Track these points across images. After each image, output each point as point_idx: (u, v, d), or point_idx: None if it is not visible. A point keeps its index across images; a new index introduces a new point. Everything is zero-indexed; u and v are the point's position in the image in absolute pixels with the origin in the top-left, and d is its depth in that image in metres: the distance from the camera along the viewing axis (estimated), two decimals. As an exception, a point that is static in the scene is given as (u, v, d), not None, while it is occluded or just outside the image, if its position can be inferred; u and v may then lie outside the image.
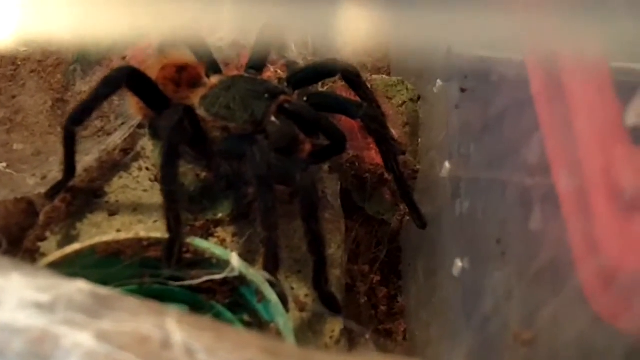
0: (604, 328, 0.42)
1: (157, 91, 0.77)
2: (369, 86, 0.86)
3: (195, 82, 0.80)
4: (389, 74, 1.01)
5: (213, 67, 0.84)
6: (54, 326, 0.39)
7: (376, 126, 0.76)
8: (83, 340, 0.39)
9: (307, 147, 0.75)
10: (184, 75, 0.80)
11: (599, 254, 0.42)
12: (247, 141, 0.71)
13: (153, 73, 0.79)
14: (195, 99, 0.78)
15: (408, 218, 0.83)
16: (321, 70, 0.84)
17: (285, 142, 0.73)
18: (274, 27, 0.86)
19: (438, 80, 0.83)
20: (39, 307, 0.40)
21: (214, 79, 0.80)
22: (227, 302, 0.70)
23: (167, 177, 0.70)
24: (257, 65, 0.84)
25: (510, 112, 0.61)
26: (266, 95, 0.75)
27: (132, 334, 0.39)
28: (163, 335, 0.39)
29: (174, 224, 0.69)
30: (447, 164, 0.76)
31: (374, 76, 0.92)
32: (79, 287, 0.43)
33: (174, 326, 0.39)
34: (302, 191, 0.66)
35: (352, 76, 0.82)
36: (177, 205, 0.70)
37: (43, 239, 0.78)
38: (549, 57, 0.52)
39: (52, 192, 0.80)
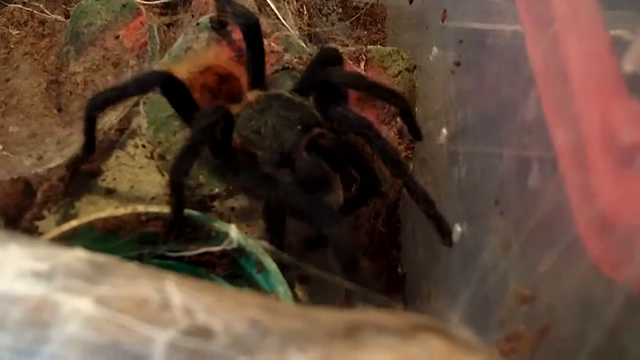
0: (602, 280, 0.42)
1: (191, 100, 0.75)
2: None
3: (234, 97, 0.77)
4: (384, 45, 1.00)
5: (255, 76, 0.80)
6: (53, 293, 0.39)
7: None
8: (82, 305, 0.39)
9: (335, 183, 0.72)
10: (225, 86, 0.77)
11: (596, 205, 0.41)
12: (269, 184, 0.68)
13: (192, 68, 0.77)
14: None
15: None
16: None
17: (312, 179, 0.69)
18: (331, 52, 0.82)
19: (434, 48, 0.83)
20: (37, 275, 0.40)
21: (252, 96, 0.77)
22: (227, 274, 0.70)
23: (179, 170, 0.68)
24: (305, 88, 0.79)
25: (506, 73, 0.61)
26: (299, 127, 0.71)
27: (131, 297, 0.39)
28: (162, 297, 0.39)
29: (177, 209, 0.69)
30: (444, 131, 0.76)
31: (370, 47, 0.92)
32: (77, 255, 0.43)
33: (173, 288, 0.39)
34: (336, 246, 0.62)
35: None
36: (182, 194, 0.69)
37: (41, 217, 0.78)
38: (544, 12, 0.52)
39: (72, 166, 0.80)
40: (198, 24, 0.90)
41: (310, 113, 0.74)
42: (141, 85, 0.73)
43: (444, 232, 0.66)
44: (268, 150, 0.72)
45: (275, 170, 0.71)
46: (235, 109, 0.75)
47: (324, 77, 0.76)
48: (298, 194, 0.66)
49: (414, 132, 0.79)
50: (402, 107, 0.76)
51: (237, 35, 0.87)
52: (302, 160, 0.70)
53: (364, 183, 0.73)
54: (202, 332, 0.37)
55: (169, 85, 0.73)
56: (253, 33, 0.80)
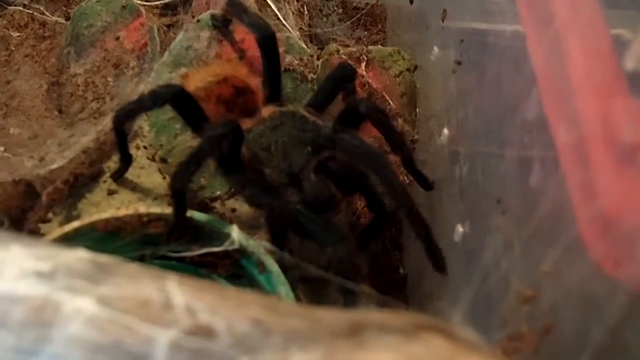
0: (605, 279, 0.42)
1: (200, 114, 0.75)
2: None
3: (248, 111, 0.77)
4: (384, 45, 1.00)
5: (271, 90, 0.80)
6: (55, 293, 0.39)
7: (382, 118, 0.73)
8: (84, 305, 0.38)
9: (342, 206, 0.72)
10: (241, 100, 0.77)
11: (598, 204, 0.41)
12: (272, 195, 0.68)
13: (210, 77, 0.77)
14: None
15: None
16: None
17: (319, 201, 0.68)
18: (347, 69, 0.82)
19: (435, 48, 0.83)
20: (40, 275, 0.40)
21: (266, 111, 0.76)
22: (229, 274, 0.70)
23: (181, 178, 0.68)
24: (321, 103, 0.79)
25: (507, 72, 0.61)
26: (309, 149, 0.71)
27: (133, 297, 0.39)
28: (164, 297, 0.39)
29: (179, 214, 0.70)
30: (445, 130, 0.76)
31: (371, 47, 0.92)
32: (79, 256, 0.42)
33: (174, 288, 0.39)
34: (337, 269, 0.62)
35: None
36: (184, 200, 0.69)
37: (47, 220, 0.78)
38: (544, 11, 0.52)
39: (115, 177, 0.82)
40: (199, 21, 0.89)
41: (322, 134, 0.72)
42: (156, 99, 0.73)
43: (440, 265, 0.66)
44: (276, 169, 0.71)
45: (283, 189, 0.70)
46: (248, 123, 0.74)
47: (352, 105, 0.75)
48: (303, 213, 0.66)
49: (421, 180, 0.76)
50: (405, 157, 0.74)
51: (239, 35, 0.87)
52: (310, 181, 0.69)
53: (375, 216, 0.73)
54: (205, 332, 0.36)
55: (180, 100, 0.74)
56: (269, 45, 0.80)
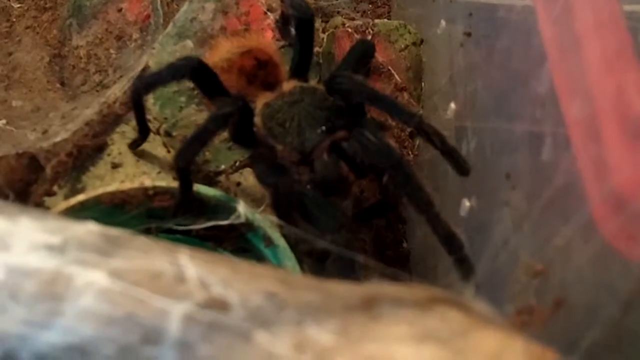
0: (616, 256, 0.41)
1: (220, 87, 0.74)
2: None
3: (269, 85, 0.75)
4: (389, 18, 0.99)
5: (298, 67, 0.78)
6: (66, 266, 0.39)
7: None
8: (96, 278, 0.38)
9: (354, 190, 0.70)
10: (262, 73, 0.76)
11: (610, 180, 0.41)
12: (278, 174, 0.67)
13: (234, 49, 0.76)
14: (259, 102, 0.74)
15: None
16: None
17: (328, 182, 0.67)
18: (368, 45, 0.82)
19: (442, 21, 0.82)
20: (50, 248, 0.40)
21: (287, 86, 0.75)
22: (235, 248, 0.70)
23: (185, 157, 0.68)
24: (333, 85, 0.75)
25: (518, 45, 0.60)
26: (323, 128, 0.69)
27: (146, 270, 0.39)
28: (177, 270, 0.39)
29: (185, 191, 0.69)
30: (452, 105, 0.75)
31: (376, 20, 0.91)
32: (89, 229, 0.42)
33: (187, 261, 0.39)
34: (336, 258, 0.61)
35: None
36: (189, 177, 0.69)
37: (52, 194, 0.78)
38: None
39: (132, 147, 0.82)
40: (203, -8, 0.89)
41: (340, 115, 0.71)
42: (175, 72, 0.73)
43: (467, 272, 0.61)
44: (288, 146, 0.70)
45: (293, 168, 0.69)
46: (268, 97, 0.74)
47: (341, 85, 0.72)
48: (307, 195, 0.65)
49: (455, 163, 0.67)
50: (418, 126, 0.68)
51: (244, 7, 0.86)
52: (321, 161, 0.68)
53: (382, 197, 0.72)
54: (218, 305, 0.36)
55: (199, 73, 0.73)
56: (305, 27, 0.78)
